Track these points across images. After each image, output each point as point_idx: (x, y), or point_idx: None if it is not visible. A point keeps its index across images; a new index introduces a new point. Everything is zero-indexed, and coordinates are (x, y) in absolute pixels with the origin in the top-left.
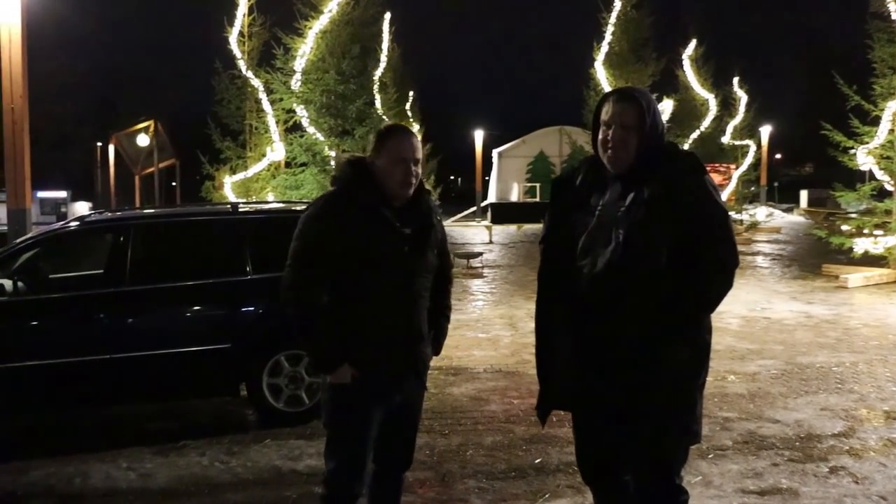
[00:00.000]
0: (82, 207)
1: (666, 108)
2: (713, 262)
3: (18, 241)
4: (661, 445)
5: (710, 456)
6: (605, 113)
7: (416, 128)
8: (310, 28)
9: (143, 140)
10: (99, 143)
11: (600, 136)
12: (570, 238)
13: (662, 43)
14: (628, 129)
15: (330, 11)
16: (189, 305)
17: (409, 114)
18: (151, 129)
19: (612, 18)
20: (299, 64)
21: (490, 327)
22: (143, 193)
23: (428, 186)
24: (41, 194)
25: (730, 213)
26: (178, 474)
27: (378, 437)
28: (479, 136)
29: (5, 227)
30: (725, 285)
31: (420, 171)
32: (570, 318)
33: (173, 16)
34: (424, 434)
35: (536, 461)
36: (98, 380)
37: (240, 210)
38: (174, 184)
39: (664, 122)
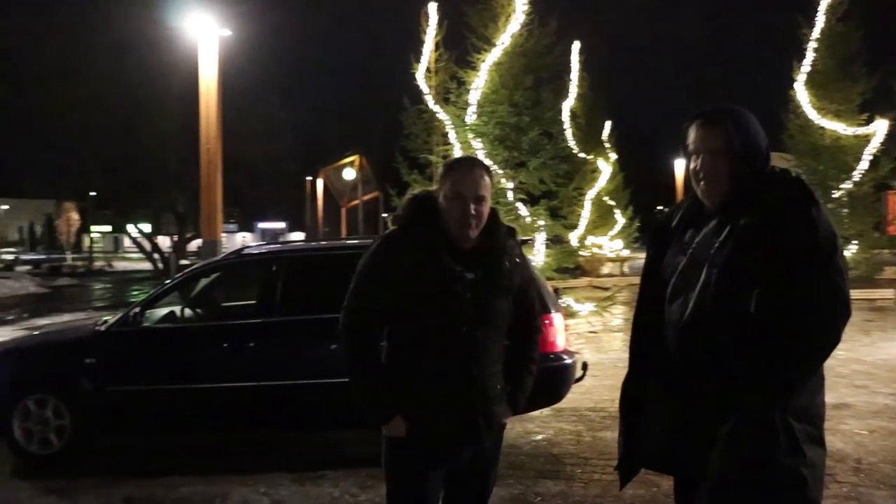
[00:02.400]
0: (297, 236)
1: (879, 128)
2: (807, 315)
3: (182, 273)
4: None
5: None
6: (691, 140)
7: (612, 157)
8: (482, 61)
9: (349, 174)
10: (308, 178)
11: (691, 167)
12: (663, 280)
13: (875, 56)
14: (716, 155)
15: (503, 44)
16: (336, 337)
17: (606, 143)
18: (357, 163)
19: (815, 34)
20: (474, 97)
21: None
22: (349, 224)
23: (526, 229)
24: (262, 225)
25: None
26: None
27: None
28: (679, 164)
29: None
30: (822, 343)
31: (485, 210)
32: (660, 371)
33: (373, 55)
34: (562, 482)
35: None
36: (248, 406)
37: None
38: (384, 215)
39: (765, 143)
